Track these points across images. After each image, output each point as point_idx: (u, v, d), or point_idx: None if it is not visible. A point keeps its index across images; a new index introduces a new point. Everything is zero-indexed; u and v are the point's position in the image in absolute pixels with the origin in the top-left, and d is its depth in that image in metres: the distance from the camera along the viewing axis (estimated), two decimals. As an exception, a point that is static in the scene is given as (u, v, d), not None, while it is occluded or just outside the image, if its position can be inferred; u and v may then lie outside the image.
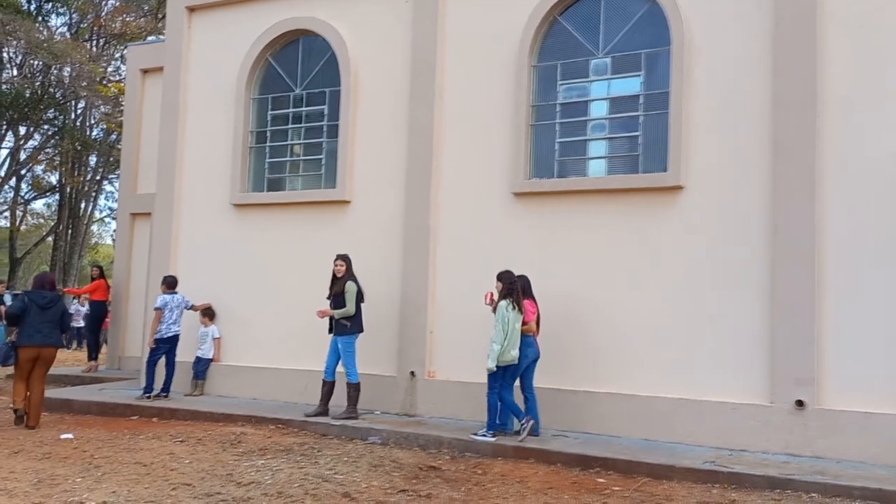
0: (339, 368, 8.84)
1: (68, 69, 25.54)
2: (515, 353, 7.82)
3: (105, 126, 28.79)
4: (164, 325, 9.88)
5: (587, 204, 8.48)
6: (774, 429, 7.42)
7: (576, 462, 7.13)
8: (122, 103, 24.89)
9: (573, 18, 8.79)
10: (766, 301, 7.60)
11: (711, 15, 8.05)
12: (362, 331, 8.86)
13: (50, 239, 33.14)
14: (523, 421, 7.75)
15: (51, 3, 26.97)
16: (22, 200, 32.99)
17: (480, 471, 6.93)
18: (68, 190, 30.00)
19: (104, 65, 28.57)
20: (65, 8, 27.48)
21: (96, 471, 6.47)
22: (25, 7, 25.53)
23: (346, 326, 8.75)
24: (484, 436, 7.74)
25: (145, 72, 14.12)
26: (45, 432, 8.16)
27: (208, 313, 10.38)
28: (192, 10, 11.05)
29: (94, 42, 29.51)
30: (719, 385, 7.72)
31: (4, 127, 27.10)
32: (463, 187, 9.13)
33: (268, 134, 10.56)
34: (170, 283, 10.09)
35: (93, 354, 13.55)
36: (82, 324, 15.19)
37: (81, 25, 28.89)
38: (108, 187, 33.44)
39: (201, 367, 10.29)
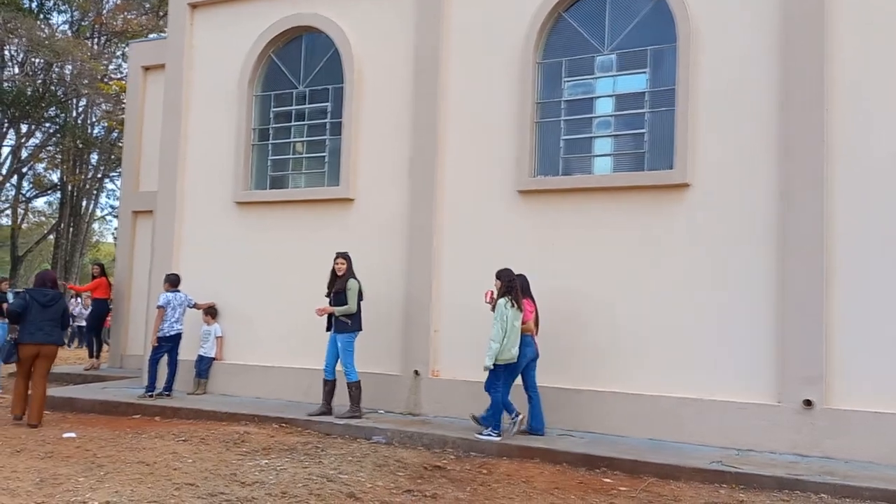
0: (339, 367, 8.79)
1: (70, 67, 25.49)
2: (515, 351, 7.78)
3: (106, 124, 28.75)
4: (167, 324, 9.84)
5: (592, 202, 8.42)
6: (782, 428, 7.36)
7: (582, 462, 7.08)
8: (124, 101, 24.89)
9: (578, 15, 8.74)
10: (773, 299, 7.55)
11: (718, 10, 8.00)
12: (361, 329, 8.82)
13: (51, 237, 33.10)
14: (514, 417, 7.72)
15: (52, 1, 26.91)
16: (23, 198, 32.94)
17: (486, 471, 6.88)
18: (70, 188, 29.96)
19: (105, 62, 28.51)
20: (66, 6, 27.42)
21: (99, 470, 6.42)
22: (27, 5, 25.48)
23: (346, 324, 8.70)
24: (489, 435, 7.68)
25: (147, 69, 14.07)
26: (47, 431, 8.12)
27: (211, 312, 10.34)
28: (194, 6, 11.00)
29: (96, 40, 29.45)
30: (726, 384, 7.67)
31: (6, 125, 27.06)
32: (467, 185, 9.08)
33: (270, 131, 10.51)
34: (173, 282, 10.04)
35: (93, 352, 13.50)
36: (83, 322, 15.13)
37: (83, 23, 28.83)
38: (109, 185, 33.43)
39: (204, 366, 10.24)
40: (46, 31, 25.42)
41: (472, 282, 8.77)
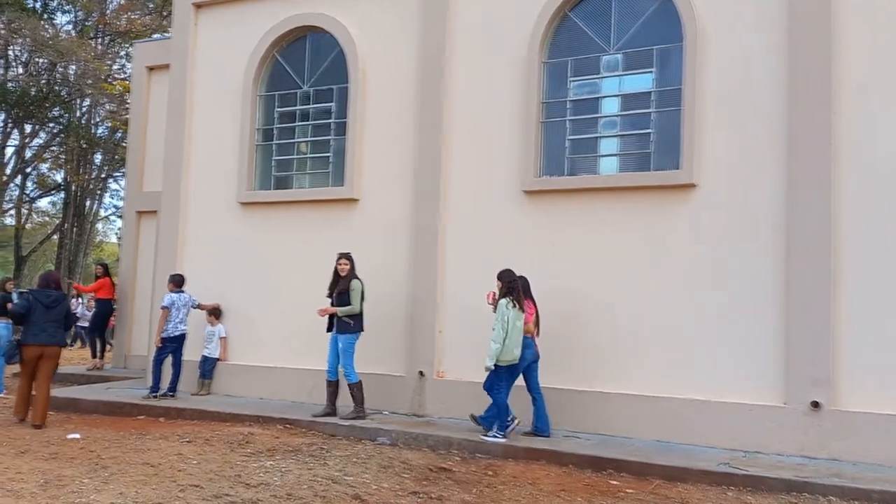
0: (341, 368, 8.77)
1: (73, 67, 25.50)
2: (518, 352, 7.76)
3: (110, 124, 28.75)
4: (171, 324, 9.82)
5: (598, 202, 8.39)
6: (789, 430, 7.32)
7: (588, 463, 7.04)
8: (128, 101, 24.90)
9: (584, 14, 8.70)
10: (780, 300, 7.50)
11: (725, 10, 7.95)
12: (363, 330, 8.79)
13: (55, 237, 33.13)
14: (509, 420, 7.72)
15: (56, 1, 26.93)
16: (27, 198, 32.97)
17: (491, 472, 6.84)
18: (73, 188, 29.97)
19: (109, 63, 28.52)
20: (70, 6, 27.43)
21: (104, 471, 6.40)
22: (31, 5, 25.49)
23: (349, 325, 8.67)
24: (494, 437, 7.65)
25: (151, 69, 14.06)
26: (51, 432, 8.10)
27: (215, 312, 10.32)
28: (198, 6, 10.98)
29: (100, 40, 29.46)
30: (733, 386, 7.62)
31: (10, 125, 27.07)
32: (472, 185, 9.04)
33: (275, 131, 10.48)
34: (177, 282, 10.02)
35: (96, 353, 13.49)
36: (84, 323, 15.13)
37: (87, 23, 28.84)
38: (113, 185, 33.45)
39: (208, 367, 10.23)
40: (50, 31, 25.43)
41: (476, 282, 8.72)
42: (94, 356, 13.50)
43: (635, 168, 8.35)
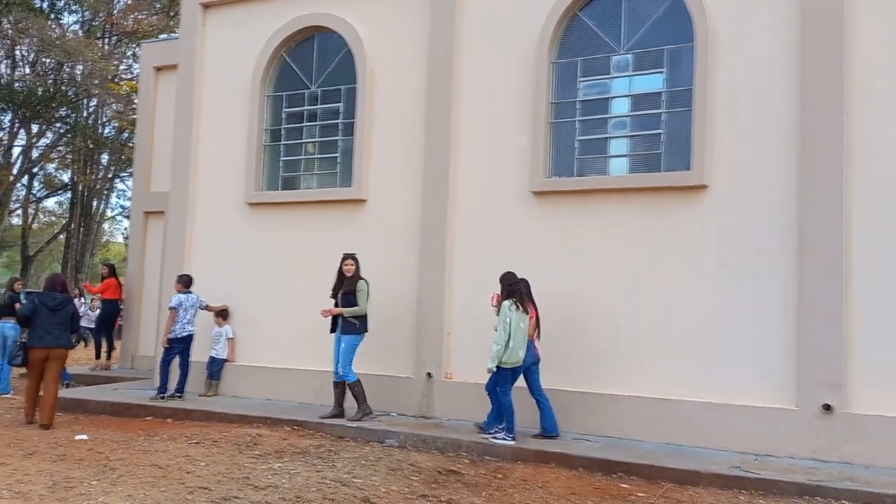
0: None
1: (80, 67, 25.55)
2: (522, 354, 7.74)
3: (117, 124, 28.81)
4: (179, 325, 9.80)
5: (608, 203, 8.33)
6: (801, 433, 7.26)
7: (598, 466, 6.99)
8: (135, 101, 24.94)
9: (594, 14, 8.65)
10: (792, 302, 7.44)
11: (735, 9, 7.89)
12: (367, 331, 8.77)
13: (62, 237, 33.21)
14: (501, 426, 7.73)
15: (63, 1, 26.98)
16: (34, 198, 33.07)
17: (501, 475, 6.80)
18: (80, 188, 30.04)
19: (116, 63, 28.57)
20: (77, 6, 27.48)
21: (112, 473, 6.38)
22: (38, 5, 25.54)
23: (354, 325, 8.65)
24: (504, 439, 7.61)
25: (159, 69, 14.06)
26: (59, 433, 8.09)
27: (222, 313, 10.30)
28: (206, 7, 10.96)
29: (106, 40, 29.52)
30: (744, 388, 7.56)
31: (17, 125, 27.14)
32: (481, 186, 9.00)
33: (282, 132, 10.46)
34: (185, 282, 10.00)
35: (100, 353, 13.48)
36: (93, 325, 15.12)
37: (94, 23, 28.89)
38: (119, 185, 33.52)
39: (215, 368, 10.21)
40: (57, 31, 25.48)
41: (485, 283, 8.65)
42: (97, 356, 13.49)
43: (645, 169, 8.30)
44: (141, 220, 13.92)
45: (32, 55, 26.21)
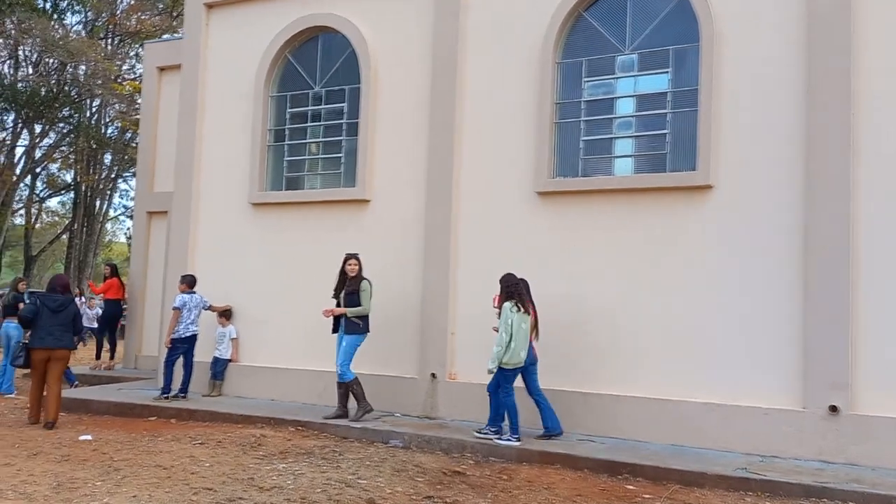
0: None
1: (83, 67, 25.56)
2: (524, 355, 7.75)
3: (120, 124, 28.82)
4: (183, 325, 9.79)
5: (613, 203, 8.31)
6: (807, 435, 7.23)
7: (603, 468, 6.97)
8: (137, 101, 24.93)
9: (599, 14, 8.62)
10: (798, 303, 7.41)
11: (741, 9, 7.86)
12: (369, 331, 8.76)
13: (65, 237, 33.23)
14: (496, 428, 7.75)
15: (66, 2, 26.99)
16: (37, 198, 33.10)
17: (506, 476, 6.78)
18: (83, 188, 30.06)
19: (119, 63, 28.58)
20: (80, 6, 27.49)
21: (116, 474, 6.37)
22: (41, 5, 25.56)
23: (358, 325, 8.65)
24: (508, 440, 7.59)
25: (162, 69, 14.04)
26: (63, 433, 8.08)
27: (226, 314, 10.29)
28: (210, 7, 10.95)
29: (110, 40, 29.53)
30: (749, 389, 7.54)
31: (20, 125, 27.15)
32: (485, 186, 8.98)
33: (286, 132, 10.45)
34: (189, 283, 9.99)
35: (100, 353, 13.46)
36: (95, 325, 15.12)
37: (97, 23, 28.91)
38: (122, 185, 33.55)
39: (219, 368, 10.20)
40: (61, 31, 25.49)
41: (489, 284, 8.60)
42: (98, 356, 13.47)
43: (650, 169, 8.27)
44: (144, 220, 13.90)
45: (35, 55, 26.22)
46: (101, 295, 13.85)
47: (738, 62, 7.84)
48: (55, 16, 26.45)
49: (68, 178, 32.51)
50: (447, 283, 9.01)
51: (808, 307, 7.35)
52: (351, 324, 8.65)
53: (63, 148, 29.88)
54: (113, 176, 31.55)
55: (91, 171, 29.78)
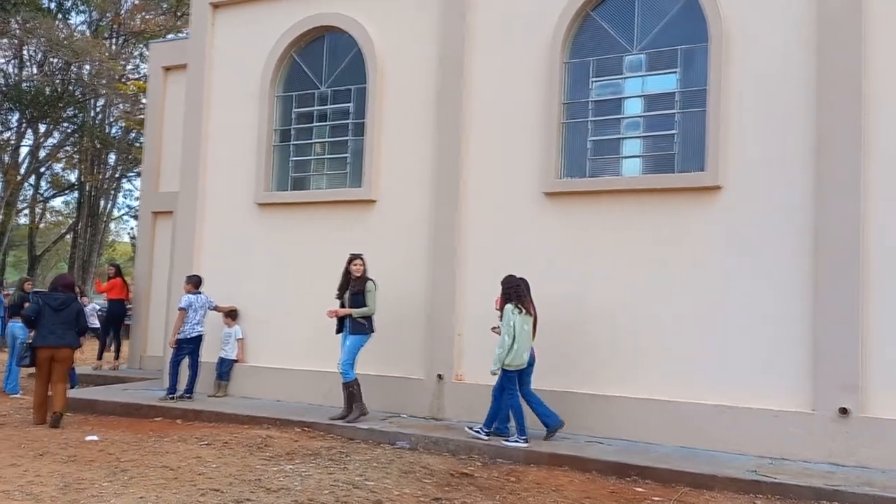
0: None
1: (88, 67, 25.57)
2: (526, 356, 7.74)
3: (124, 124, 28.84)
4: (188, 326, 9.76)
5: (621, 204, 8.27)
6: (817, 437, 7.18)
7: (612, 470, 6.93)
8: (142, 101, 24.95)
9: (607, 13, 8.58)
10: (808, 304, 7.37)
11: (750, 9, 7.82)
12: (374, 331, 8.73)
13: (69, 237, 33.26)
14: (490, 430, 7.77)
15: (71, 1, 27.01)
16: (41, 198, 33.13)
17: (514, 478, 6.74)
18: (87, 188, 30.09)
19: (123, 62, 28.60)
20: (85, 6, 27.51)
21: (123, 475, 6.35)
22: (46, 5, 25.58)
23: (363, 326, 8.63)
24: (516, 441, 7.55)
25: (167, 69, 14.03)
26: (69, 434, 8.06)
27: (231, 314, 10.27)
28: (215, 6, 10.92)
29: (114, 40, 29.55)
30: (759, 391, 7.49)
31: (24, 125, 27.18)
32: (492, 186, 8.94)
33: (292, 132, 10.42)
34: (195, 283, 9.97)
35: (102, 353, 13.44)
36: (97, 324, 15.13)
37: (101, 23, 28.92)
38: (126, 185, 33.56)
39: (225, 368, 10.17)
40: (65, 31, 25.51)
41: (496, 284, 8.52)
42: (100, 357, 13.45)
43: (658, 170, 8.23)
44: (149, 220, 13.90)
45: (40, 55, 26.24)
46: (104, 294, 13.84)
47: (746, 62, 7.80)
48: (60, 15, 26.49)
49: (72, 177, 32.56)
50: (454, 284, 8.97)
51: (817, 308, 7.30)
52: (356, 324, 8.63)
53: (67, 148, 29.91)
54: (117, 176, 31.57)
55: (95, 170, 29.80)
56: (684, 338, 7.87)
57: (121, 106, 28.02)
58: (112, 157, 30.57)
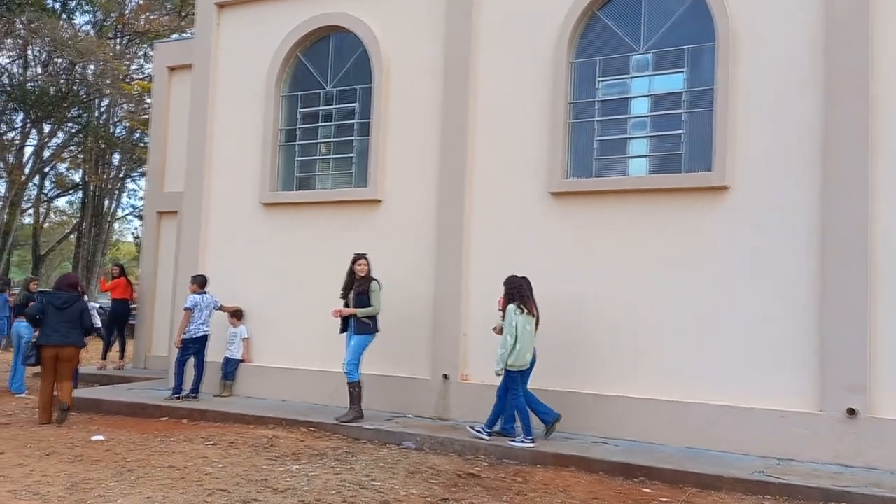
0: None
1: (92, 67, 25.59)
2: (529, 356, 7.74)
3: (128, 124, 28.87)
4: (194, 326, 9.76)
5: (627, 204, 8.24)
6: (824, 438, 7.16)
7: (619, 471, 6.91)
8: (146, 101, 24.98)
9: (613, 13, 8.56)
10: (815, 304, 7.34)
11: (758, 8, 7.79)
12: (378, 331, 8.72)
13: (73, 236, 33.30)
14: (491, 430, 7.77)
15: (75, 1, 27.04)
16: (45, 198, 33.17)
17: (521, 479, 6.73)
18: (91, 187, 30.12)
19: (127, 63, 28.62)
20: (89, 6, 27.55)
21: (129, 475, 6.35)
22: (50, 5, 25.61)
23: (368, 325, 8.63)
24: (522, 442, 7.54)
25: (172, 69, 14.02)
26: (75, 433, 8.06)
27: (237, 314, 10.26)
28: (221, 6, 10.92)
29: (118, 40, 29.58)
30: (766, 392, 7.46)
31: (29, 125, 27.21)
32: (498, 186, 8.93)
33: (298, 132, 10.41)
34: (200, 283, 9.96)
35: (107, 353, 13.44)
36: (98, 323, 15.11)
37: (105, 23, 28.96)
38: (130, 185, 33.59)
39: (230, 368, 10.17)
40: (70, 31, 25.53)
41: (502, 285, 8.59)
42: (104, 357, 13.44)
43: (665, 170, 8.20)
44: (154, 220, 13.90)
45: (44, 55, 26.27)
46: (108, 294, 13.84)
47: (754, 62, 7.77)
48: (64, 15, 26.52)
49: (77, 177, 32.59)
50: (459, 284, 8.96)
51: (824, 308, 7.28)
52: (361, 324, 8.63)
53: (71, 148, 29.94)
54: (121, 176, 31.60)
55: (99, 170, 29.83)
56: (690, 338, 7.84)
57: (125, 106, 28.03)
58: (116, 157, 30.60)
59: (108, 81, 25.32)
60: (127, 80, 26.81)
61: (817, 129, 7.46)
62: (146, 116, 23.67)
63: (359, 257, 8.76)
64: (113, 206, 32.71)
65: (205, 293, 9.94)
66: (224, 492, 5.91)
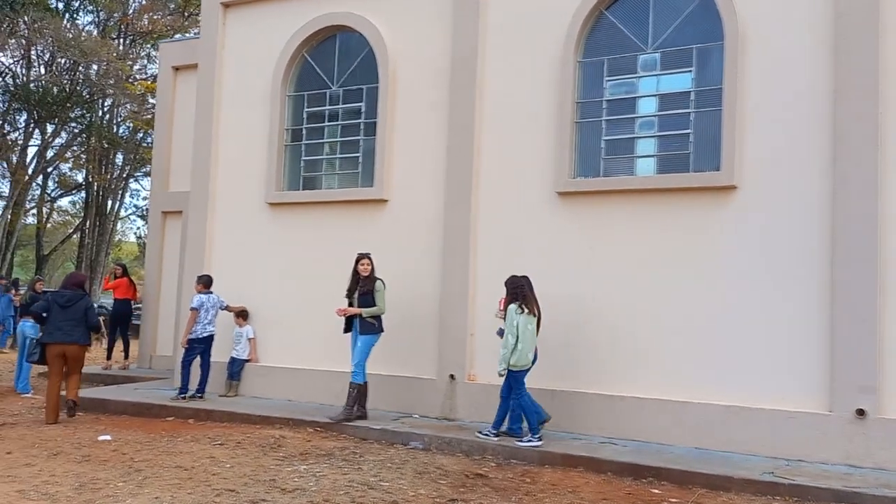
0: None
1: (96, 67, 25.60)
2: (531, 356, 7.74)
3: (132, 124, 28.87)
4: (200, 326, 9.75)
5: (635, 204, 8.22)
6: (834, 438, 7.12)
7: (627, 471, 6.88)
8: (149, 101, 24.99)
9: (621, 12, 8.53)
10: (825, 304, 7.31)
11: (767, 7, 7.76)
12: (384, 331, 8.71)
13: (76, 236, 33.31)
14: (497, 431, 7.76)
15: (79, 1, 27.05)
16: (49, 198, 33.18)
17: (529, 479, 6.71)
18: (95, 187, 30.13)
19: (131, 62, 28.63)
20: (93, 6, 27.55)
21: (137, 475, 6.34)
22: (54, 5, 25.62)
23: (373, 325, 8.61)
24: (529, 442, 7.52)
25: (177, 69, 14.00)
26: (82, 433, 8.05)
27: (242, 314, 10.25)
28: (226, 6, 10.91)
29: (122, 40, 29.59)
30: (775, 392, 7.43)
31: (32, 125, 27.22)
32: (504, 186, 8.91)
33: (303, 132, 10.40)
34: (206, 283, 9.95)
35: (111, 353, 13.42)
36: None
37: (109, 23, 28.96)
38: (134, 185, 33.61)
39: (236, 368, 10.15)
40: (73, 31, 25.53)
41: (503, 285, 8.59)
42: (108, 357, 13.43)
43: (673, 170, 8.18)
44: (159, 219, 13.88)
45: (48, 55, 26.28)
46: (111, 293, 13.83)
47: (762, 61, 7.75)
48: (68, 15, 26.53)
49: (80, 177, 32.60)
50: (466, 284, 8.94)
51: (834, 308, 7.25)
52: (366, 324, 8.61)
53: (75, 147, 29.94)
54: (125, 176, 31.61)
55: (103, 170, 29.85)
56: (697, 338, 7.82)
57: (128, 106, 28.04)
58: (119, 157, 30.61)
59: (112, 81, 25.35)
60: (130, 81, 26.81)
61: (826, 129, 7.43)
62: (149, 116, 23.67)
63: (362, 257, 8.74)
64: (116, 206, 32.72)
65: (210, 293, 9.93)
66: (232, 492, 5.90)
